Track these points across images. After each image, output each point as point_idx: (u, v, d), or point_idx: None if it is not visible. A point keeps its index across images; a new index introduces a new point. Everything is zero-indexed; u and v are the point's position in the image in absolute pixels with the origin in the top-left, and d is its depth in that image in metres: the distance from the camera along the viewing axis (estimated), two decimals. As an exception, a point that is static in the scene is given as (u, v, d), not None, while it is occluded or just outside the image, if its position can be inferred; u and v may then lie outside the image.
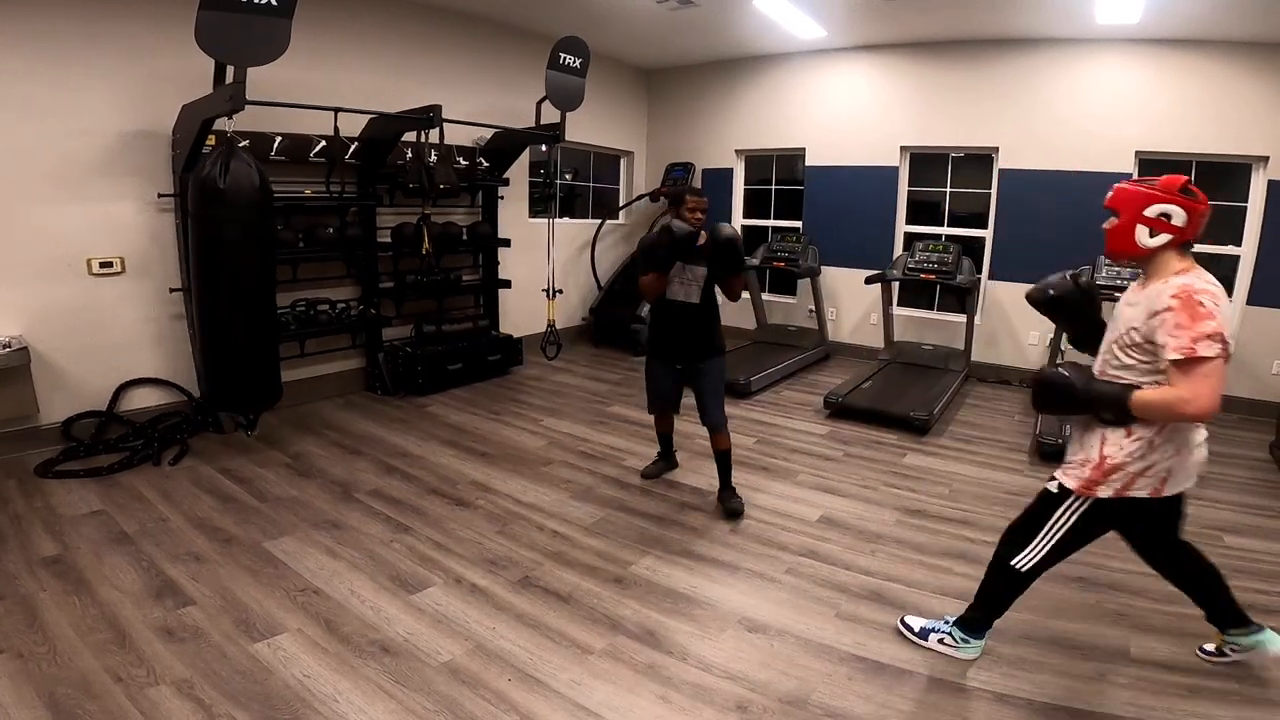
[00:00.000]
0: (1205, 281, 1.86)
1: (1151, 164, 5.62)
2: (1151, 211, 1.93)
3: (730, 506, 3.47)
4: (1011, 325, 6.29)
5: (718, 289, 3.39)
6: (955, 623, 2.43)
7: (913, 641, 2.47)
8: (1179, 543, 2.24)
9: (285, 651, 2.30)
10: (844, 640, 2.48)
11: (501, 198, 6.09)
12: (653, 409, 3.73)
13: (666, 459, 3.98)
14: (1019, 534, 2.22)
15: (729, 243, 3.22)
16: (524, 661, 2.30)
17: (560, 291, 6.09)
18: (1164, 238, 1.92)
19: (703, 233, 3.25)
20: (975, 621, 2.39)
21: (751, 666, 2.32)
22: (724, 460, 3.53)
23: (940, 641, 2.43)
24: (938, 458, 4.34)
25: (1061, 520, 2.12)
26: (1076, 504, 2.08)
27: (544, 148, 6.36)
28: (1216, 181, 5.48)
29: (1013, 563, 2.21)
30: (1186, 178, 1.96)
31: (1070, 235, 5.78)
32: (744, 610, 2.64)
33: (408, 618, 2.53)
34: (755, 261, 6.79)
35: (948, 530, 3.36)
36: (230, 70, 3.30)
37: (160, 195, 4.17)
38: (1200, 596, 2.31)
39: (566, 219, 7.44)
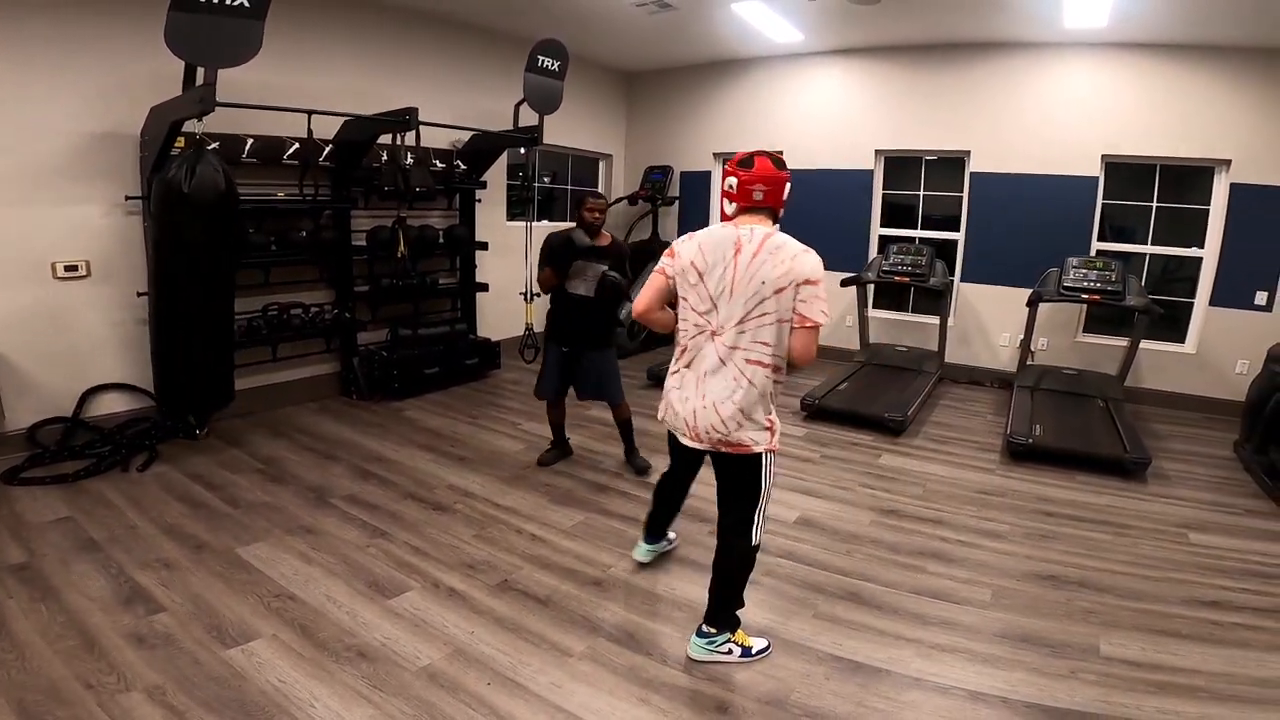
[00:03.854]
0: (702, 233, 2.26)
1: (1118, 167, 5.76)
2: (725, 184, 2.26)
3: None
4: (984, 326, 6.39)
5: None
6: (732, 636, 2.36)
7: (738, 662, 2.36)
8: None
9: (260, 658, 2.27)
10: (821, 640, 2.50)
11: (479, 200, 6.07)
12: (542, 394, 3.96)
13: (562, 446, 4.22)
14: (744, 521, 2.27)
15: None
16: (503, 665, 2.29)
17: (538, 294, 6.07)
18: (733, 205, 2.24)
19: (604, 233, 3.70)
20: (733, 616, 2.38)
21: (730, 668, 2.33)
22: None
23: (737, 655, 2.36)
24: (912, 458, 4.40)
25: (769, 479, 2.26)
26: (769, 460, 2.24)
27: (522, 150, 6.35)
28: (1180, 184, 5.62)
29: (754, 543, 2.30)
30: (755, 153, 2.22)
31: (1039, 237, 5.90)
32: (722, 611, 2.65)
33: (385, 623, 2.50)
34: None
35: (922, 530, 3.41)
36: (200, 72, 3.26)
37: (128, 197, 4.09)
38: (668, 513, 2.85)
39: (545, 222, 7.41)
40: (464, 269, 6.08)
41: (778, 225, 2.24)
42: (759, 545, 2.32)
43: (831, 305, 6.76)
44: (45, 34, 3.77)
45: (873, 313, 6.79)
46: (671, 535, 3.05)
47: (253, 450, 4.14)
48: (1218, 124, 5.31)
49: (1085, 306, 5.77)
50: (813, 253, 2.13)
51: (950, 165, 6.49)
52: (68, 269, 4.00)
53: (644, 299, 2.32)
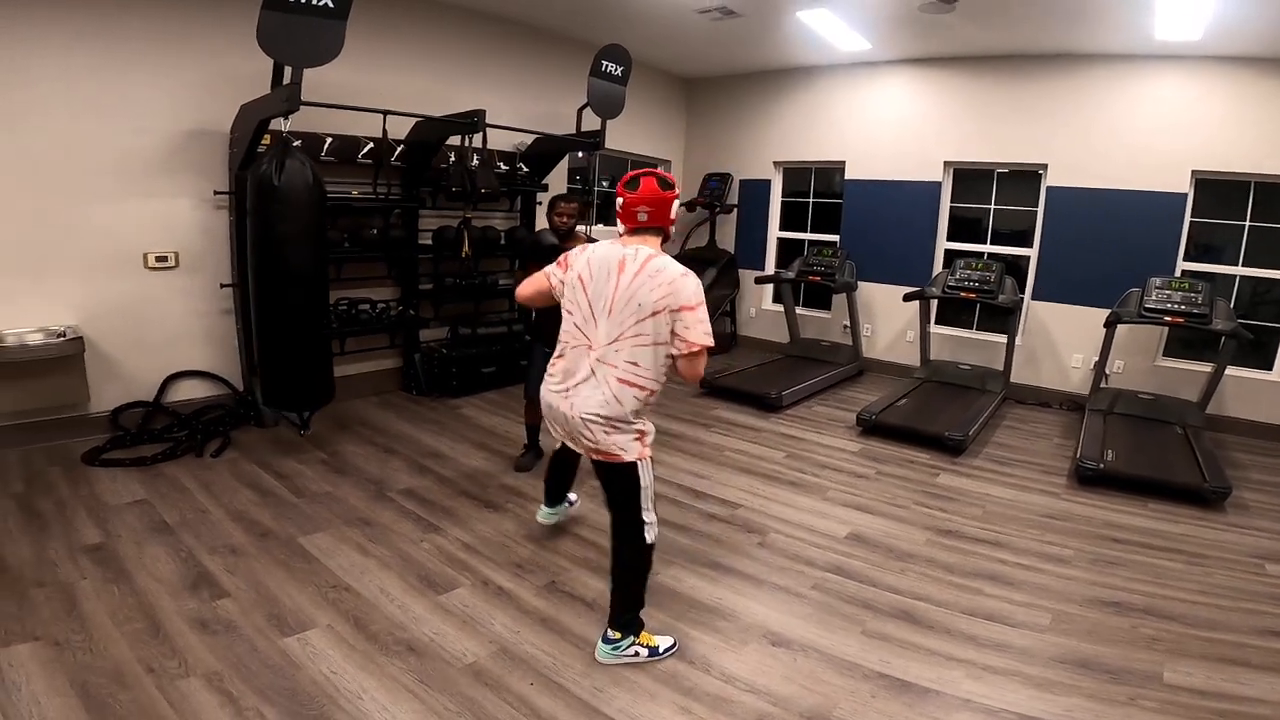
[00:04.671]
0: (594, 248, 2.28)
1: (1208, 183, 5.48)
2: (616, 204, 2.29)
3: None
4: (1054, 346, 6.17)
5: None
6: (637, 639, 2.38)
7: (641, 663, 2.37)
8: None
9: (314, 647, 2.34)
10: (869, 657, 2.45)
11: (540, 203, 6.14)
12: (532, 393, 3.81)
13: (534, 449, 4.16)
14: (631, 523, 2.30)
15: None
16: (547, 666, 2.32)
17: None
18: (623, 226, 2.29)
19: (580, 229, 3.73)
20: (636, 619, 2.39)
21: (774, 680, 2.30)
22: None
23: (644, 656, 2.38)
24: (972, 479, 4.27)
25: (648, 481, 2.29)
26: (645, 467, 2.26)
27: (580, 154, 6.41)
28: (1277, 202, 5.31)
29: (649, 542, 2.32)
30: (642, 173, 2.25)
31: (1119, 255, 5.67)
32: (768, 624, 2.63)
33: (434, 618, 2.56)
34: (791, 275, 6.76)
35: (980, 551, 3.30)
36: (288, 71, 3.40)
37: (216, 192, 4.31)
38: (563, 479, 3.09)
39: (602, 225, 7.48)
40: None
41: (664, 243, 2.30)
42: (654, 543, 2.35)
43: (893, 320, 6.62)
44: (142, 32, 4.00)
45: (935, 329, 6.62)
46: (571, 497, 3.29)
47: (317, 441, 4.28)
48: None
49: (1167, 329, 5.50)
50: (692, 276, 2.15)
51: (1023, 179, 6.28)
52: (158, 260, 4.23)
53: (526, 288, 2.40)
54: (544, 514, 3.21)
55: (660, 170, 2.34)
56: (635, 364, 2.15)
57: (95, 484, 3.49)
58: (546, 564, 2.99)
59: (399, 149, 4.92)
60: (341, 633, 2.43)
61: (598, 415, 2.18)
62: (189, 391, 4.47)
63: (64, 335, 3.76)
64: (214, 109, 4.19)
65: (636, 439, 2.24)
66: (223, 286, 4.40)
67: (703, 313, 2.13)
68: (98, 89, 3.89)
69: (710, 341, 2.13)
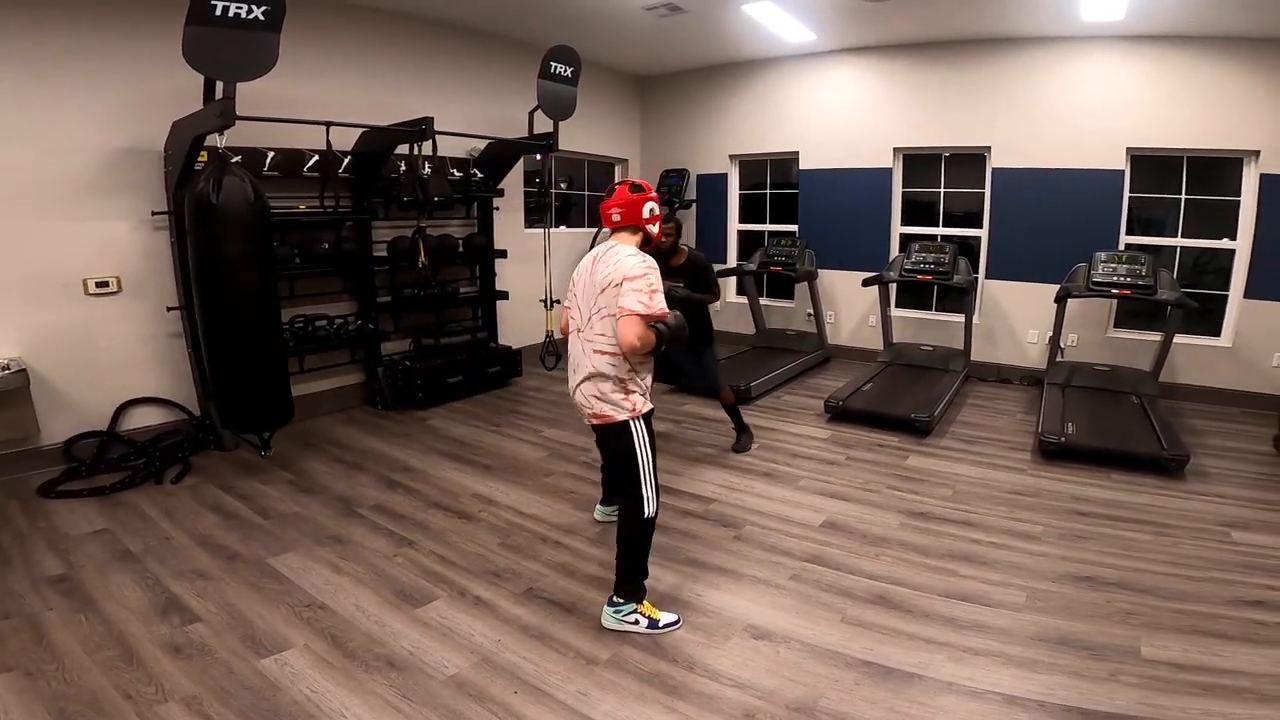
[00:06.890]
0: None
1: (1144, 160, 5.65)
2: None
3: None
4: (1010, 324, 6.30)
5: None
6: (639, 607, 2.56)
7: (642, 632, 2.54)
8: None
9: (292, 667, 2.30)
10: (851, 645, 2.47)
11: (497, 208, 6.10)
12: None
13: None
14: (630, 494, 2.50)
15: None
16: (529, 673, 2.30)
17: (558, 301, 6.08)
18: (607, 229, 2.60)
19: (681, 249, 4.10)
20: (638, 587, 2.58)
21: (758, 674, 2.31)
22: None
23: (644, 626, 2.55)
24: (940, 459, 4.34)
25: (644, 447, 2.49)
26: (639, 428, 2.48)
27: (537, 157, 6.37)
28: (1209, 176, 5.50)
29: (646, 515, 2.50)
30: (618, 183, 2.59)
31: (1065, 232, 5.81)
32: (749, 617, 2.64)
33: (413, 632, 2.52)
34: (753, 266, 6.82)
35: (951, 532, 3.36)
36: (220, 86, 3.30)
37: (154, 213, 4.16)
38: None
39: (563, 228, 7.44)
40: (484, 277, 6.11)
41: (646, 241, 2.56)
42: (652, 518, 2.52)
43: (854, 305, 6.74)
44: (66, 51, 3.86)
45: (895, 312, 6.72)
46: None
47: (282, 461, 4.19)
48: (1244, 115, 5.19)
49: (1116, 301, 5.66)
50: (638, 257, 2.40)
51: (971, 161, 6.40)
52: (99, 285, 4.08)
53: (560, 324, 2.72)
54: (599, 511, 3.41)
55: (637, 180, 2.60)
56: (602, 335, 2.41)
57: (53, 516, 3.38)
58: (523, 571, 2.97)
59: (346, 160, 4.81)
60: (319, 651, 2.39)
61: (587, 382, 2.46)
62: (144, 419, 4.33)
63: (7, 368, 3.62)
64: (147, 126, 4.06)
65: (624, 398, 2.45)
66: (169, 310, 4.27)
67: (641, 284, 2.32)
68: (21, 111, 3.74)
69: (639, 309, 2.29)
